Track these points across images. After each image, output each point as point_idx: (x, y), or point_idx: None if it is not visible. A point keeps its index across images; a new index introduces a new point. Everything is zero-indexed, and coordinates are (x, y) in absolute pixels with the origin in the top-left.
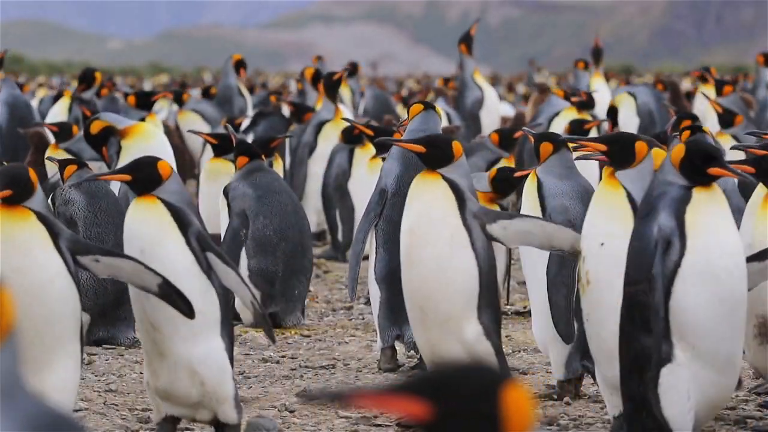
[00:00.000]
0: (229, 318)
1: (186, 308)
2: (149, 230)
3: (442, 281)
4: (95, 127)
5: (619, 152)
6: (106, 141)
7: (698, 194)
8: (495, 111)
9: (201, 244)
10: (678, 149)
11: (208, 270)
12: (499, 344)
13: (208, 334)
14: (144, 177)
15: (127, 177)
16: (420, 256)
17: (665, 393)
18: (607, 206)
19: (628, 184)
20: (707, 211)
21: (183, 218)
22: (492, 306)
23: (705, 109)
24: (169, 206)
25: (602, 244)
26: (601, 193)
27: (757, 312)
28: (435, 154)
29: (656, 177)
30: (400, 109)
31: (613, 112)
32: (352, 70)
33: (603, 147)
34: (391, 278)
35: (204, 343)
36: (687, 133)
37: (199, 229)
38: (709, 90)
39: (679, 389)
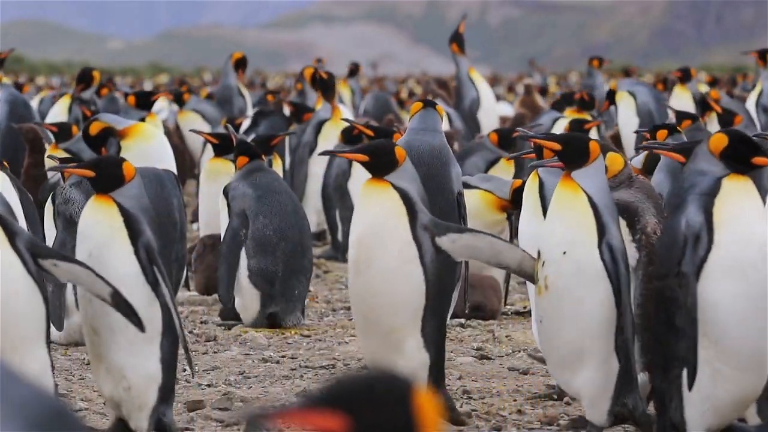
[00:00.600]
0: (174, 329)
1: (137, 320)
2: (99, 233)
3: (388, 295)
4: (94, 128)
5: (573, 153)
6: (105, 142)
7: (728, 184)
8: (492, 109)
9: (149, 255)
10: (719, 138)
11: (153, 282)
12: (439, 352)
13: (144, 345)
14: (106, 176)
15: (90, 173)
16: (367, 268)
17: (686, 392)
18: (569, 211)
19: (585, 184)
20: (736, 202)
21: (134, 226)
22: (437, 315)
23: (680, 106)
24: (123, 211)
25: (564, 252)
26: (561, 195)
27: None
28: (379, 162)
29: (689, 167)
30: (400, 110)
31: (611, 95)
32: (354, 69)
33: (557, 146)
34: None
35: (138, 353)
36: (663, 132)
37: (149, 240)
38: (684, 91)
39: (699, 388)
